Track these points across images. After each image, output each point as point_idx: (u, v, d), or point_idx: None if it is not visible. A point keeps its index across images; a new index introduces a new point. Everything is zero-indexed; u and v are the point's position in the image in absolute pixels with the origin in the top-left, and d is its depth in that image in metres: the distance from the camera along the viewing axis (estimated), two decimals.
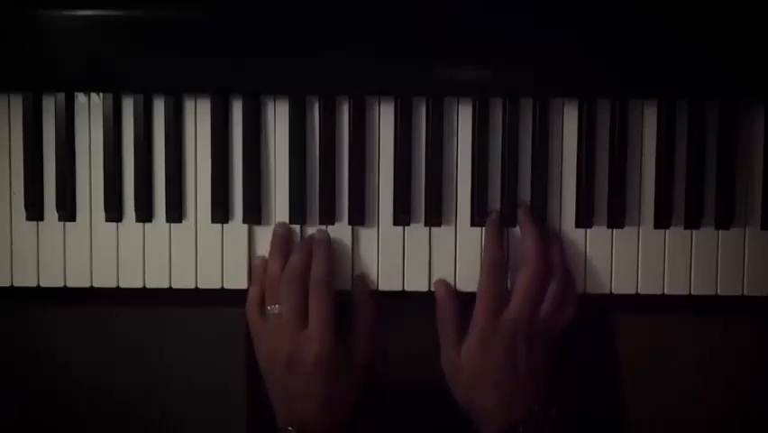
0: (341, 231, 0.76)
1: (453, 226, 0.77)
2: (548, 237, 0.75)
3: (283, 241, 0.76)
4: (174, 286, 0.77)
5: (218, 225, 0.77)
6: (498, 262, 0.74)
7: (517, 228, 0.76)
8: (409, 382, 0.78)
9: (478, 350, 0.72)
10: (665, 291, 0.76)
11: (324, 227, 0.76)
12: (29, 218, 0.77)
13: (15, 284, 0.77)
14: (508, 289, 0.74)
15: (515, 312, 0.72)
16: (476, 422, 0.73)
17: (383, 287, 0.76)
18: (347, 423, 0.73)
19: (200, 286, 0.77)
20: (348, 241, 0.76)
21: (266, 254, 0.76)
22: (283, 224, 0.76)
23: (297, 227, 0.77)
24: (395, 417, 0.79)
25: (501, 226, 0.75)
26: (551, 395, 0.72)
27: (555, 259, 0.74)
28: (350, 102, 0.76)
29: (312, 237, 0.76)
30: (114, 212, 0.76)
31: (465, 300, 0.74)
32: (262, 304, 0.75)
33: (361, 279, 0.76)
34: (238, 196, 0.77)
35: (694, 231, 0.76)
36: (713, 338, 0.79)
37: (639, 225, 0.76)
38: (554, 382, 0.73)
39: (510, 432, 0.70)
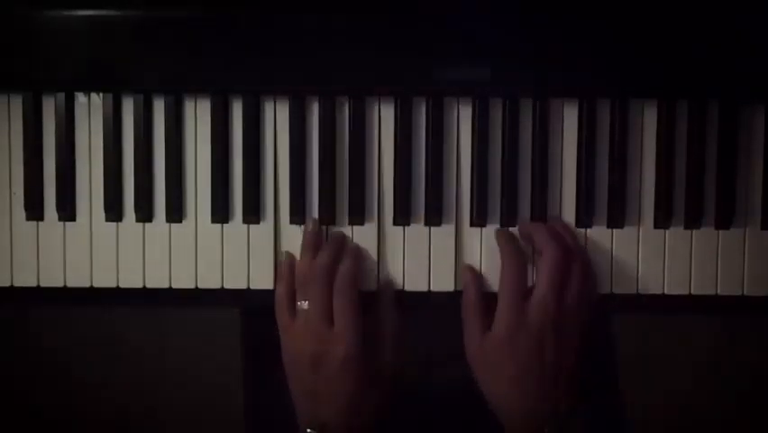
0: (341, 231, 0.76)
1: (453, 226, 0.77)
2: (559, 227, 0.75)
3: (315, 238, 0.75)
4: (174, 286, 0.77)
5: (218, 225, 0.77)
6: (516, 254, 0.73)
7: (518, 228, 0.76)
8: (410, 381, 0.78)
9: (503, 346, 0.71)
10: (665, 291, 0.76)
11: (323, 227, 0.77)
12: (29, 218, 0.77)
13: (15, 284, 0.77)
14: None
15: (539, 302, 0.70)
16: (500, 418, 0.72)
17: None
18: (370, 427, 0.72)
19: (200, 286, 0.77)
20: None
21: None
22: (314, 221, 0.76)
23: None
24: (397, 416, 0.79)
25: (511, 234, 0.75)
26: (578, 395, 0.71)
27: (571, 244, 0.74)
28: (350, 102, 0.76)
29: (341, 236, 0.76)
30: (114, 212, 0.76)
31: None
32: (290, 302, 0.74)
33: (387, 281, 0.76)
34: (238, 196, 0.77)
35: (694, 231, 0.76)
36: (713, 338, 0.79)
37: (639, 225, 0.76)
38: (581, 382, 0.72)
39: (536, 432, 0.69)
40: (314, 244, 0.75)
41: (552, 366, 0.70)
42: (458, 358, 0.74)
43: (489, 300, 0.73)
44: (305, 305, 0.73)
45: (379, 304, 0.75)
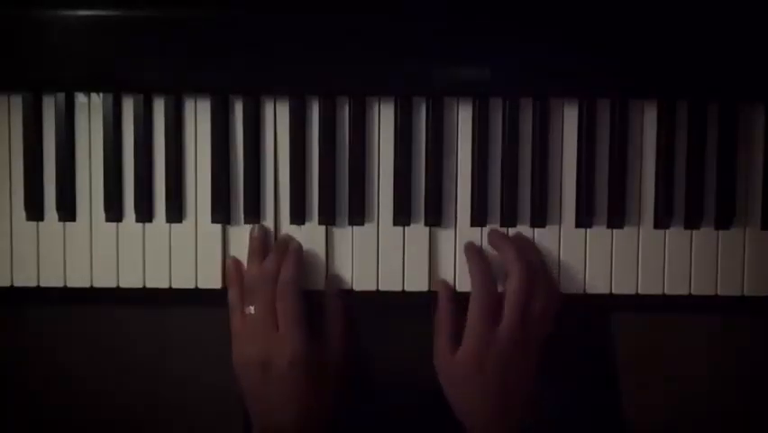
0: (341, 231, 0.77)
1: (453, 226, 0.77)
2: (525, 245, 0.75)
3: (261, 244, 0.76)
4: (174, 286, 0.77)
5: (218, 225, 0.77)
6: (485, 278, 0.74)
7: (518, 228, 0.76)
8: (409, 382, 0.78)
9: (473, 361, 0.72)
10: (665, 291, 0.76)
11: (298, 227, 0.77)
12: (29, 218, 0.77)
13: (15, 284, 0.77)
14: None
15: (508, 330, 0.72)
16: (468, 428, 0.72)
17: (383, 287, 0.76)
18: (322, 427, 0.73)
19: (200, 286, 0.77)
20: (348, 241, 0.76)
21: (238, 256, 0.76)
22: (260, 226, 0.76)
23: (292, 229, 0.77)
24: (393, 417, 0.79)
25: (481, 249, 0.76)
26: (539, 406, 0.72)
27: (537, 264, 0.74)
28: (350, 102, 0.76)
29: (284, 240, 0.76)
30: (114, 212, 0.76)
31: (465, 302, 0.74)
32: (244, 307, 0.74)
33: (332, 279, 0.76)
34: (238, 196, 0.77)
35: (694, 231, 0.76)
36: (713, 338, 0.79)
37: (639, 225, 0.76)
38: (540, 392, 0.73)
39: None
40: (259, 250, 0.75)
41: (514, 384, 0.72)
42: None
43: (461, 313, 0.73)
44: (251, 310, 0.73)
45: (325, 305, 0.76)
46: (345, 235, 0.77)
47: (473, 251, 0.75)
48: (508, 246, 0.74)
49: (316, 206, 0.76)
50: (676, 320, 0.78)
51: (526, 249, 0.75)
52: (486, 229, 0.76)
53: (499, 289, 0.74)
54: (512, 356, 0.71)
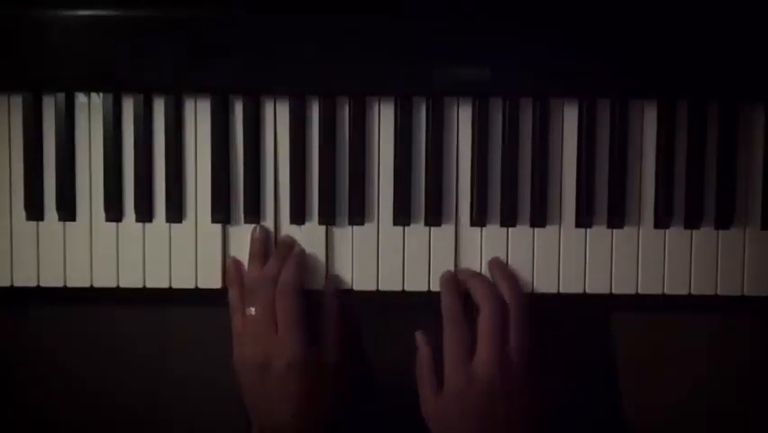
0: (341, 231, 0.77)
1: (453, 226, 0.77)
2: (497, 272, 0.75)
3: (262, 245, 0.76)
4: (174, 286, 0.77)
5: (218, 225, 0.77)
6: (455, 314, 0.73)
7: (518, 228, 0.76)
8: (409, 382, 0.78)
9: (454, 406, 0.71)
10: (665, 291, 0.76)
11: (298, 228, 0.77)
12: (29, 218, 0.77)
13: (15, 284, 0.77)
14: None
15: (483, 364, 0.70)
16: None
17: (383, 287, 0.76)
18: (321, 427, 0.73)
19: (200, 286, 0.77)
20: (348, 241, 0.76)
21: (238, 255, 0.77)
22: (262, 227, 0.76)
23: (295, 228, 0.77)
24: (393, 417, 0.79)
25: (455, 279, 0.75)
26: None
27: (508, 294, 0.73)
28: (350, 102, 0.76)
29: (286, 242, 0.76)
30: (114, 212, 0.76)
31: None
32: (245, 307, 0.74)
33: (332, 279, 0.76)
34: (238, 196, 0.77)
35: (694, 231, 0.76)
36: (713, 338, 0.79)
37: (639, 225, 0.76)
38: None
39: None
40: (261, 251, 0.76)
41: (505, 424, 0.70)
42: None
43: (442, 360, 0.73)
44: (252, 311, 0.73)
45: (323, 305, 0.76)
46: (345, 235, 0.77)
47: (444, 287, 0.75)
48: (476, 283, 0.74)
49: (316, 206, 0.76)
50: (676, 320, 0.78)
51: (503, 280, 0.74)
52: (485, 229, 0.76)
53: None
54: (494, 393, 0.70)
